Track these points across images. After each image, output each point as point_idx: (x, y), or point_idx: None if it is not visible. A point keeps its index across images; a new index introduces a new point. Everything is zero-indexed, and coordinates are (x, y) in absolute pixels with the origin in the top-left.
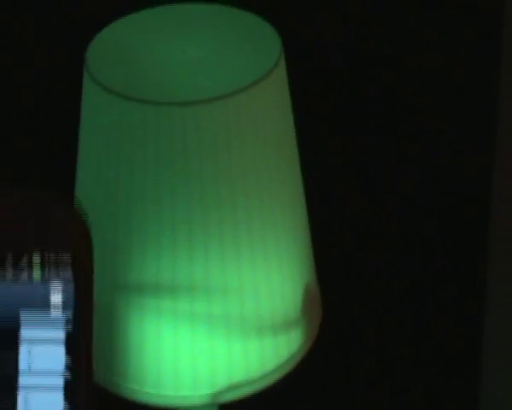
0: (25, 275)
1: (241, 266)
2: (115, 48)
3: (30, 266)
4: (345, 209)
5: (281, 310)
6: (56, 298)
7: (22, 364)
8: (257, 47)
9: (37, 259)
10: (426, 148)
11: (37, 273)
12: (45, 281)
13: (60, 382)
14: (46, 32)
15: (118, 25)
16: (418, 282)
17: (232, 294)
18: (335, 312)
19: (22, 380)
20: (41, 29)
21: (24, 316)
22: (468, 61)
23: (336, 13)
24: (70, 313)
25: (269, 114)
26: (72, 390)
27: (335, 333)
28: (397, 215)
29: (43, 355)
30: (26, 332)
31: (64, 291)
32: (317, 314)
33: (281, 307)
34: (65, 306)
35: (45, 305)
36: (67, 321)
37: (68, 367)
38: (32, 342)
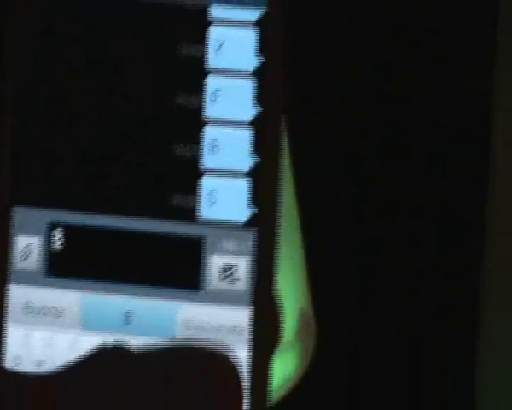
0: None
1: None
2: None
3: None
4: (341, 231)
5: None
6: None
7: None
8: None
9: None
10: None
11: None
12: None
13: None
14: None
15: None
16: (417, 307)
17: None
18: (331, 337)
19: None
20: None
21: None
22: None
23: (332, 23)
24: None
25: None
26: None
27: (331, 357)
28: (394, 242)
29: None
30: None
31: None
32: (311, 338)
33: None
34: None
35: None
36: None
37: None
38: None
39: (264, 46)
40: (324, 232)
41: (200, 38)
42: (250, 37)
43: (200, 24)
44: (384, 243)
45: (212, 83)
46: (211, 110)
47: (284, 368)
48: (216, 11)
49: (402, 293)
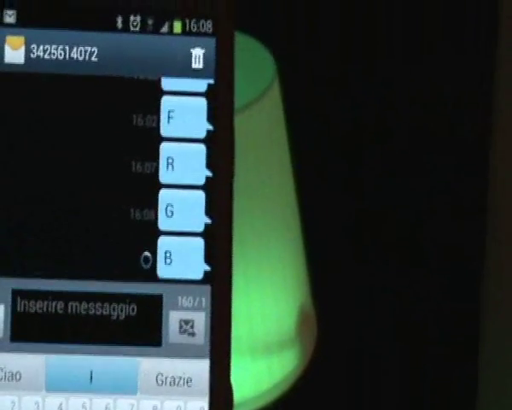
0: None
1: (236, 287)
2: None
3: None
4: (341, 230)
5: (275, 331)
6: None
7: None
8: (250, 69)
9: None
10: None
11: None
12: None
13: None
14: None
15: None
16: (416, 302)
17: None
18: (331, 334)
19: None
20: None
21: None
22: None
23: (332, 30)
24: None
25: (262, 135)
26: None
27: (331, 355)
28: (394, 239)
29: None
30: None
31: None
32: (311, 336)
33: (275, 328)
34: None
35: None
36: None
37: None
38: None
39: (213, 114)
40: (325, 230)
41: (153, 109)
42: (200, 106)
43: (153, 95)
44: (384, 242)
45: (166, 150)
46: (166, 176)
47: (284, 365)
48: (167, 83)
49: (403, 291)
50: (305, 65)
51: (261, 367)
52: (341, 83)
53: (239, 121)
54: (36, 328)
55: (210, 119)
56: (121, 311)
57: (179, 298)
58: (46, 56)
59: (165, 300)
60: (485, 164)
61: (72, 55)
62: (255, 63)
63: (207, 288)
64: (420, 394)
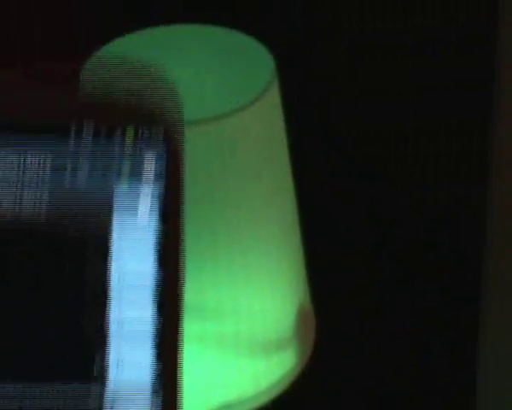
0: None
1: (235, 286)
2: (110, 68)
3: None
4: (340, 228)
5: (273, 330)
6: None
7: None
8: (250, 68)
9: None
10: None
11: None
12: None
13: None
14: (42, 50)
15: (113, 45)
16: (416, 300)
17: (226, 314)
18: (330, 333)
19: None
20: (39, 48)
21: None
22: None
23: (332, 27)
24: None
25: (262, 134)
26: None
27: (330, 353)
28: (392, 235)
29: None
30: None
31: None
32: (310, 335)
33: (273, 326)
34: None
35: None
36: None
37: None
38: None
39: (163, 219)
40: (323, 229)
41: (101, 267)
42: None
43: (100, 255)
44: (383, 239)
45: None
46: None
47: (283, 365)
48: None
49: (402, 287)
50: (305, 64)
51: (260, 366)
52: (342, 82)
53: (238, 120)
54: None
55: (160, 222)
56: None
57: None
58: None
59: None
60: (485, 166)
61: (26, 163)
62: (254, 63)
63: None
64: (419, 392)
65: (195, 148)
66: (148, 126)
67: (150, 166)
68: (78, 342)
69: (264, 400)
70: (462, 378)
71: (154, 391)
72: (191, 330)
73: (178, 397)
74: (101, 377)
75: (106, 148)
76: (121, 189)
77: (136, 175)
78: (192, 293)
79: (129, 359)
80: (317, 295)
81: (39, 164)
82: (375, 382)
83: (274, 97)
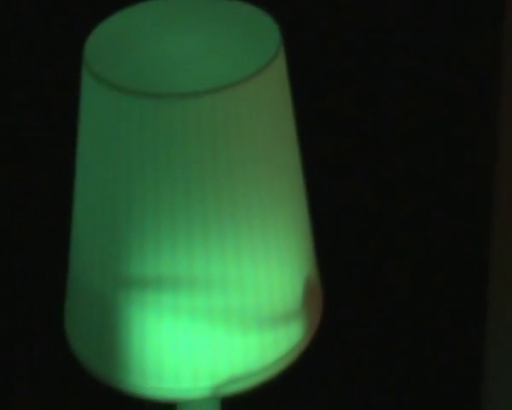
0: None
1: (241, 259)
2: (113, 42)
3: None
4: (345, 202)
5: (280, 303)
6: None
7: None
8: (256, 38)
9: None
10: (428, 145)
11: None
12: None
13: None
14: (45, 26)
15: (116, 19)
16: (420, 275)
17: (232, 287)
18: (336, 305)
19: None
20: (39, 24)
21: None
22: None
23: (336, 4)
24: None
25: (268, 105)
26: None
27: (337, 326)
28: (398, 209)
29: None
30: None
31: None
32: (317, 307)
33: (280, 299)
34: None
35: None
36: None
37: None
38: None
39: None
40: (331, 202)
41: None
42: None
43: None
44: (392, 214)
45: None
46: None
47: (290, 337)
48: None
49: (409, 259)
50: (310, 34)
51: (267, 339)
52: (347, 53)
53: (247, 90)
54: None
55: None
56: None
57: None
58: None
59: None
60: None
61: None
62: (260, 32)
63: None
64: (424, 364)
65: (200, 118)
66: None
67: None
68: None
69: (270, 373)
70: (467, 374)
71: None
72: (198, 304)
73: None
74: None
75: None
76: None
77: None
78: (198, 268)
79: None
80: (324, 268)
81: None
82: (382, 353)
83: (280, 66)
